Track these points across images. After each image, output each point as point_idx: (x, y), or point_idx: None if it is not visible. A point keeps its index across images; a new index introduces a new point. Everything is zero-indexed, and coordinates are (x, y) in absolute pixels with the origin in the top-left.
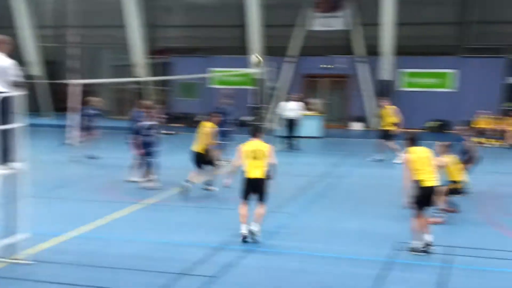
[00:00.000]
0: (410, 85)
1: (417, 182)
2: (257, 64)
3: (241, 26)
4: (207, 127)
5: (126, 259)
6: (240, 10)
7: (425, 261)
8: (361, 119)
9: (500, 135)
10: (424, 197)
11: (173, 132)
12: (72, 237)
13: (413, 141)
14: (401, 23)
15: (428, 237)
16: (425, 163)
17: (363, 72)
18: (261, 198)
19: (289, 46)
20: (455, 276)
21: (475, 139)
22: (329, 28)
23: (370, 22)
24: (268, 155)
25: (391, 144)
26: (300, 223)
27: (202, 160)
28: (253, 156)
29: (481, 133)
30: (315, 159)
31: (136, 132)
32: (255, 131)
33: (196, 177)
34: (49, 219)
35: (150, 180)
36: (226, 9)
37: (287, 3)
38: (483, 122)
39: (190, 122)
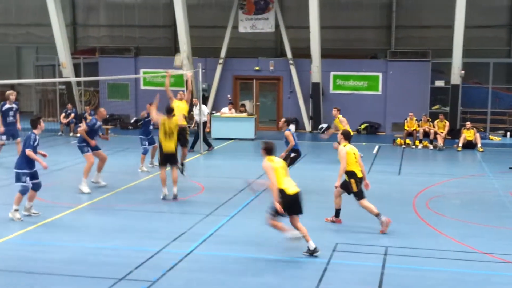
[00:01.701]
0: (339, 87)
1: (281, 190)
2: (179, 65)
3: (171, 26)
4: None
5: (61, 264)
6: (169, 10)
7: (362, 261)
8: (293, 121)
9: (430, 137)
10: (289, 204)
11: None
12: (3, 243)
13: (269, 151)
14: (328, 27)
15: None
16: (283, 173)
17: (293, 74)
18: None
19: (218, 47)
20: (390, 276)
21: (406, 141)
22: (256, 30)
23: (297, 25)
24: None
25: None
26: (236, 225)
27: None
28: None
29: (411, 135)
30: (249, 162)
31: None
32: None
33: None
34: None
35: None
36: (156, 9)
37: (215, 4)
38: (413, 124)
39: (121, 124)
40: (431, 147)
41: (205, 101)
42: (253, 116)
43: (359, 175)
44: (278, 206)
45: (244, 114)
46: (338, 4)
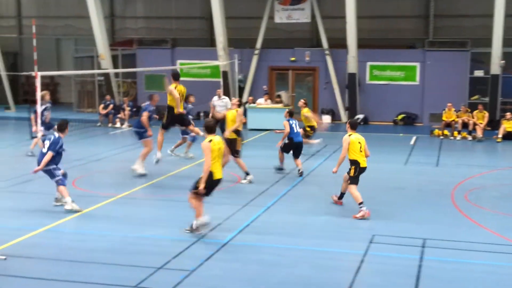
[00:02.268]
0: (375, 78)
1: (210, 172)
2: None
3: (207, 17)
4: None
5: (100, 253)
6: (206, 1)
7: (400, 253)
8: (329, 112)
9: (469, 128)
10: (211, 188)
11: None
12: (45, 231)
13: (209, 129)
14: (365, 16)
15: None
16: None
17: (329, 65)
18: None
19: (254, 38)
20: (428, 268)
21: (445, 132)
22: (292, 20)
23: (334, 15)
24: None
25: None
26: (272, 216)
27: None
28: None
29: (449, 126)
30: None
31: None
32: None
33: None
34: (20, 213)
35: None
36: (192, 0)
37: None
38: (452, 115)
39: (158, 114)
40: (470, 138)
41: (241, 92)
42: (288, 107)
43: (363, 164)
44: (202, 188)
45: (280, 105)
46: None
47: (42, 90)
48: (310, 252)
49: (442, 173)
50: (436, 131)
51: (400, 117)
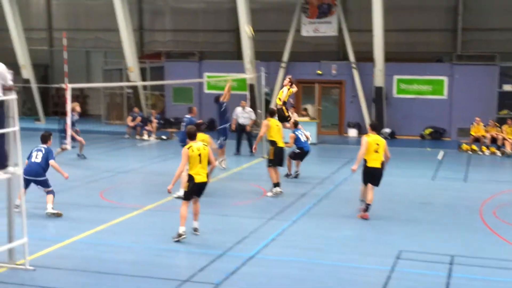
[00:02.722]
0: (403, 91)
1: (190, 175)
2: (250, 36)
3: (234, 30)
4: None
5: (127, 265)
6: (233, 14)
7: (427, 270)
8: (355, 125)
9: (498, 143)
10: (193, 191)
11: (164, 138)
12: (72, 243)
13: (190, 136)
14: (392, 30)
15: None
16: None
17: (355, 78)
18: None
19: (280, 51)
20: (456, 285)
21: (473, 147)
22: (319, 33)
23: (360, 28)
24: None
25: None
26: (298, 230)
27: None
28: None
29: (478, 140)
30: (311, 166)
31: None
32: None
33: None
34: (49, 224)
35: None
36: (220, 14)
37: (277, 8)
38: (480, 129)
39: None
40: (498, 153)
41: (267, 105)
42: (315, 120)
43: (372, 164)
44: (169, 188)
45: (306, 118)
46: (402, 7)
47: (72, 102)
48: (337, 267)
49: (471, 189)
50: (464, 146)
51: (427, 131)
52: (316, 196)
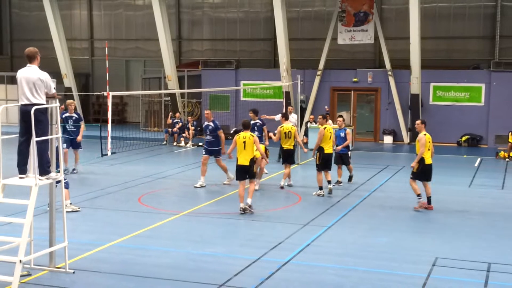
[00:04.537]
0: (439, 99)
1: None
2: None
3: (271, 39)
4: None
5: (164, 269)
6: (269, 23)
7: (464, 277)
8: (391, 132)
9: None
10: (238, 171)
11: (200, 144)
12: (111, 247)
13: (244, 126)
14: (428, 37)
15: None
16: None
17: (391, 85)
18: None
19: (317, 59)
20: None
21: (511, 154)
22: (355, 41)
23: (396, 36)
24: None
25: None
26: (333, 236)
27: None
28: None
29: None
30: (346, 173)
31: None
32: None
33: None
34: (88, 229)
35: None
36: (256, 23)
37: (314, 16)
38: None
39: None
40: None
41: (302, 112)
42: (350, 127)
43: (428, 161)
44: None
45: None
46: (439, 14)
47: (112, 109)
48: (372, 274)
49: (508, 196)
50: (502, 153)
51: (464, 138)
52: (351, 203)
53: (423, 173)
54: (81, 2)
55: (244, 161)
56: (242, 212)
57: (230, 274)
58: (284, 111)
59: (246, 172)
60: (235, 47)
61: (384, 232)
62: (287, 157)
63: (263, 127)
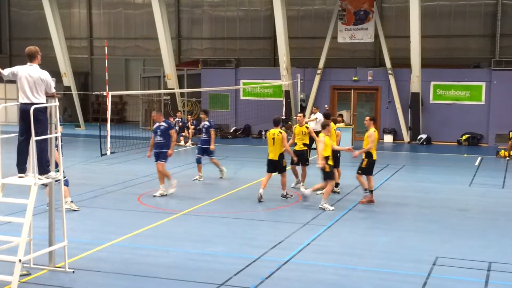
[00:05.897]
0: (439, 97)
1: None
2: None
3: (270, 37)
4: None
5: (163, 268)
6: (269, 22)
7: (464, 277)
8: (391, 131)
9: None
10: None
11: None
12: (110, 246)
13: (274, 122)
14: (429, 36)
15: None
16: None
17: (392, 84)
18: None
19: (317, 57)
20: None
21: (511, 153)
22: (356, 40)
23: (397, 35)
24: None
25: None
26: (333, 236)
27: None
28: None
29: None
30: (346, 172)
31: None
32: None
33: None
34: (88, 228)
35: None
36: (256, 21)
37: (314, 15)
38: None
39: (221, 133)
40: None
41: (302, 111)
42: (350, 126)
43: (375, 157)
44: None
45: (342, 124)
46: (439, 13)
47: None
48: (373, 273)
49: (508, 195)
50: (502, 152)
51: (464, 137)
52: (351, 202)
53: (370, 168)
54: (80, 0)
55: (274, 156)
56: (260, 198)
57: (230, 274)
58: (284, 110)
59: (275, 166)
60: (235, 45)
61: (384, 231)
62: (299, 159)
63: (210, 129)
